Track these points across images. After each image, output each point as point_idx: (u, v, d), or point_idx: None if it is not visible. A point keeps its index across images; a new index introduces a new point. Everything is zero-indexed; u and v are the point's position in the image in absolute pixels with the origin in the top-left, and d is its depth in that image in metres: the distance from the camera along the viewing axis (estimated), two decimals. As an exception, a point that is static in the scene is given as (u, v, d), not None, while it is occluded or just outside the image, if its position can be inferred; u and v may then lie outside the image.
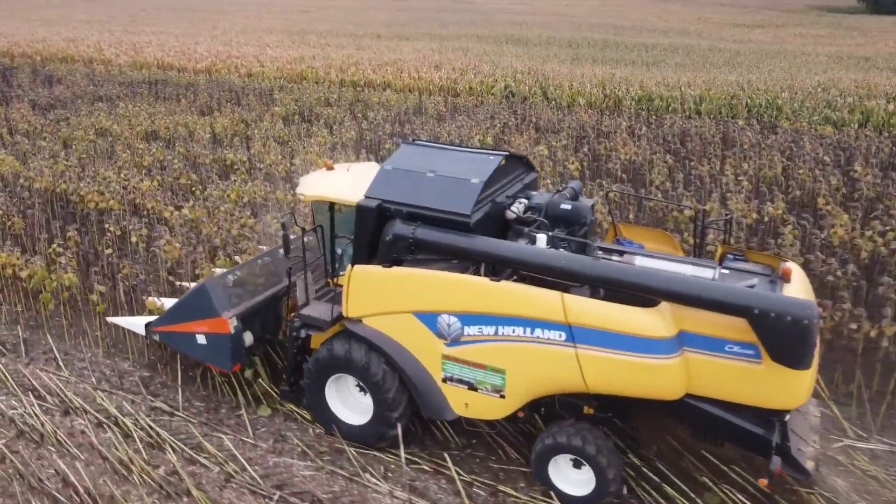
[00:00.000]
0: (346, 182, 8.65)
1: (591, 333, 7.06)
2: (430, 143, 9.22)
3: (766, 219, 14.14)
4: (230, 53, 36.66)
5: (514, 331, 7.41)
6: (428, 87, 28.89)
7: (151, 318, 9.91)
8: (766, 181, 16.52)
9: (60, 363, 10.45)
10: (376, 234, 7.94)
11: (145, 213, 14.63)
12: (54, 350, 10.73)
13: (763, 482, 7.12)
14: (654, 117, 23.92)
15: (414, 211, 7.84)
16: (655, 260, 7.82)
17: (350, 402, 8.65)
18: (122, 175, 16.22)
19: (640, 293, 7.09)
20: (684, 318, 6.92)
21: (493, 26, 57.71)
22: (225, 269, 10.20)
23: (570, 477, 7.68)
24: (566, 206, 8.02)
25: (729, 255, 8.11)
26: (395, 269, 7.84)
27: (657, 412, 7.78)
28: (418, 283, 7.80)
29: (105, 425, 8.95)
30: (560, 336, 7.20)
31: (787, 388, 6.73)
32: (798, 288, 7.14)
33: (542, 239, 7.77)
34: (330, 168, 9.22)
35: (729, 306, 6.66)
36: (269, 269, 9.99)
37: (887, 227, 12.88)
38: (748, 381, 6.79)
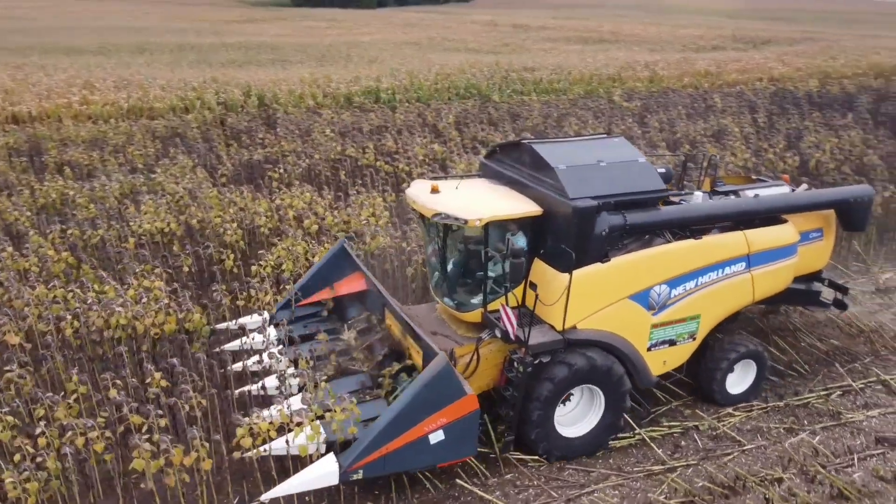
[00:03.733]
0: (497, 198, 8.22)
1: (761, 256, 8.84)
2: (544, 140, 9.11)
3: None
4: None
5: (709, 277, 8.53)
6: (108, 112, 22.23)
7: (333, 456, 6.97)
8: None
9: None
10: (589, 234, 7.74)
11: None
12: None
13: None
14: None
15: (621, 199, 7.95)
16: (753, 191, 9.85)
17: (560, 420, 8.25)
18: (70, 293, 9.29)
19: (786, 214, 9.40)
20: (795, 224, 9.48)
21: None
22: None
23: (732, 381, 9.27)
24: (662, 169, 9.27)
25: (718, 182, 10.30)
26: (615, 260, 7.97)
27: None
28: (636, 266, 8.12)
29: None
30: (742, 266, 8.73)
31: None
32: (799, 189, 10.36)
33: (698, 195, 9.12)
34: (436, 190, 8.28)
35: (834, 203, 9.71)
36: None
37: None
38: (819, 253, 10.01)
